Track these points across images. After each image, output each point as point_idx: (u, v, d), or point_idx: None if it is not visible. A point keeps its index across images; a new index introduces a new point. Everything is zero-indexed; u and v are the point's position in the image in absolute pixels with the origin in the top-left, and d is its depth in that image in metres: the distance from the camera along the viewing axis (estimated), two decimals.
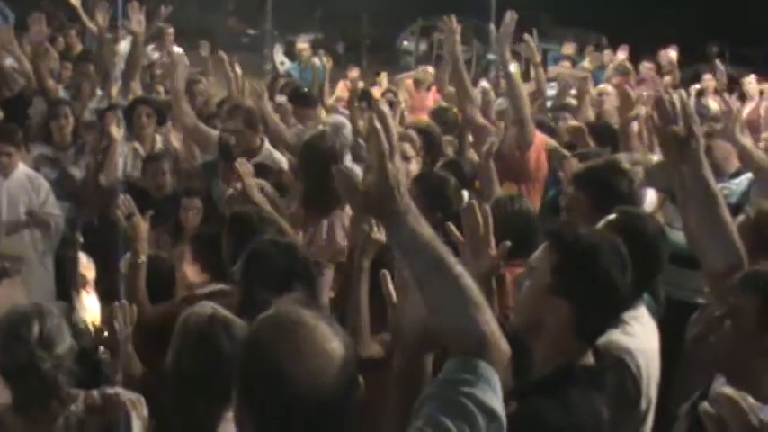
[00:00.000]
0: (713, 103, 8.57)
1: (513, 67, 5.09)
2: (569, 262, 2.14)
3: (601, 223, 2.87)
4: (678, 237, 3.65)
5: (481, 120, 5.55)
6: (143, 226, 3.79)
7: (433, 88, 9.67)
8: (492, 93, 7.17)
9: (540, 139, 5.21)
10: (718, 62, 10.25)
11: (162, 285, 3.86)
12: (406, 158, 4.81)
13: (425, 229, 1.69)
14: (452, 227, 2.43)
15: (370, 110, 6.08)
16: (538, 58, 6.52)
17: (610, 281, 2.12)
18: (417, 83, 10.13)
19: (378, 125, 1.66)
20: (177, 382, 2.53)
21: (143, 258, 3.77)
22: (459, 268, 1.69)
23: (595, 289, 2.12)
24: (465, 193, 4.06)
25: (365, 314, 2.99)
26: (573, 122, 5.93)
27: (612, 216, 2.90)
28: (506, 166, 4.92)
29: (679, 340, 3.20)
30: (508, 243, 2.39)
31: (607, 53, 11.17)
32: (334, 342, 1.58)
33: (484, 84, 9.01)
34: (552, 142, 5.64)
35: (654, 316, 3.03)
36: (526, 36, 5.80)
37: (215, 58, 7.05)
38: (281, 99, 7.70)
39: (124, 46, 7.92)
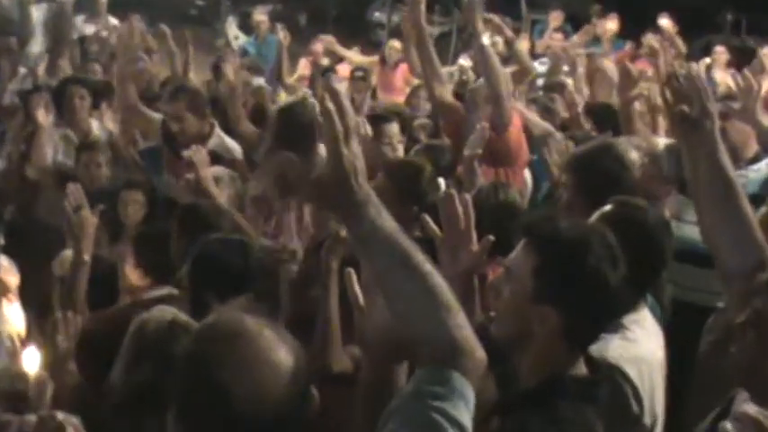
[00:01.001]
0: (728, 79, 8.62)
1: (487, 39, 5.08)
2: (551, 262, 2.13)
3: (594, 216, 2.89)
4: (688, 231, 3.72)
5: (450, 99, 5.58)
6: (91, 221, 3.75)
7: (403, 65, 9.66)
8: (471, 71, 7.20)
9: (520, 119, 5.24)
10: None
11: (102, 290, 3.84)
12: (390, 144, 4.93)
13: (388, 222, 1.70)
14: (428, 219, 2.43)
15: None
16: (509, 33, 6.53)
17: (600, 279, 2.10)
18: (383, 59, 10.17)
19: (330, 105, 1.66)
20: (128, 395, 2.53)
21: (87, 258, 3.71)
22: (427, 266, 1.70)
23: (584, 290, 2.10)
24: (442, 182, 4.07)
25: (336, 321, 3.00)
26: (572, 93, 5.92)
27: (607, 207, 2.92)
28: (484, 147, 4.90)
29: (691, 349, 3.29)
30: (491, 237, 2.39)
31: (599, 23, 11.19)
32: (280, 352, 1.60)
33: (462, 60, 9.03)
34: (545, 125, 5.66)
35: (658, 321, 3.05)
36: (491, 16, 5.86)
37: (160, 33, 7.01)
38: (260, 80, 7.68)
39: (37, 15, 7.82)
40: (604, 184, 3.39)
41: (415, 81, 8.04)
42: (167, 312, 2.65)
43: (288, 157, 1.50)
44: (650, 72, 6.59)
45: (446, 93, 5.60)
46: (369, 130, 4.59)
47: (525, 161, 5.25)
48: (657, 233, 2.88)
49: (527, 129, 5.34)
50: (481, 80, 5.39)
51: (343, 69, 9.81)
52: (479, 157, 4.64)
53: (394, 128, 4.93)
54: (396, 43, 10.17)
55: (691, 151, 2.62)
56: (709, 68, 9.99)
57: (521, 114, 5.35)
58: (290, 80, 9.06)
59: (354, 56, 10.70)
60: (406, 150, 5.16)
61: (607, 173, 3.49)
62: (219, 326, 1.64)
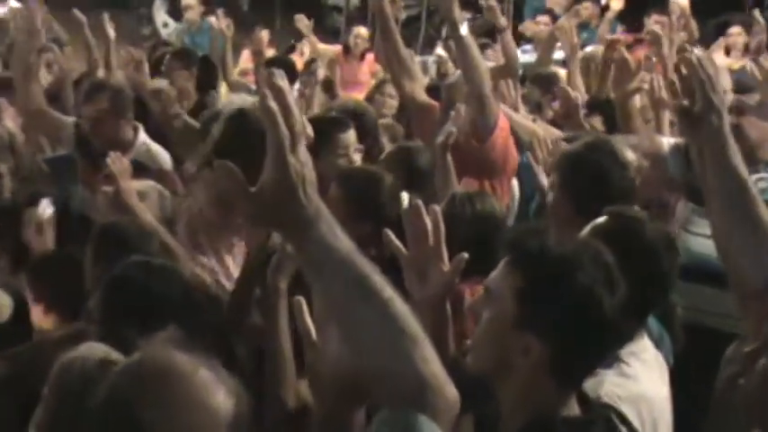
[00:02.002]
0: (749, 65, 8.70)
1: (465, 29, 5.06)
2: (537, 282, 2.15)
3: (586, 229, 2.92)
4: (700, 245, 3.83)
5: (423, 97, 5.61)
6: None
7: (369, 56, 9.72)
8: (450, 63, 7.25)
9: (507, 122, 5.24)
10: (756, 12, 10.38)
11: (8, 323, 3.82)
12: (346, 156, 4.80)
13: (343, 242, 1.72)
14: (391, 235, 2.46)
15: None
16: (503, 22, 6.56)
17: (593, 304, 2.12)
18: (347, 49, 10.21)
19: (272, 105, 1.68)
20: None
21: None
22: (388, 291, 1.72)
23: (575, 317, 2.12)
24: (404, 195, 4.09)
25: (288, 352, 3.02)
26: (566, 88, 5.95)
27: (600, 220, 2.95)
28: (462, 157, 4.94)
29: (708, 383, 3.31)
30: (465, 255, 2.44)
31: (587, 5, 11.21)
32: (218, 394, 1.62)
33: (439, 51, 9.05)
34: (533, 127, 5.66)
35: (663, 349, 3.13)
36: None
37: (73, 20, 7.01)
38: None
39: None
40: (593, 185, 3.47)
41: (382, 74, 8.09)
42: (97, 350, 2.66)
43: (228, 168, 1.51)
44: (655, 58, 6.66)
45: (418, 89, 5.62)
46: (309, 130, 4.50)
47: (514, 169, 5.29)
48: (659, 249, 2.90)
49: (514, 131, 5.38)
50: (458, 73, 5.41)
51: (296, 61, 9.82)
52: (461, 168, 4.65)
53: (350, 136, 4.84)
54: (363, 30, 10.26)
55: (697, 151, 2.67)
56: (726, 53, 10.03)
57: (507, 116, 5.38)
58: (233, 75, 9.04)
59: (327, 47, 10.59)
60: (370, 156, 5.18)
61: (597, 172, 3.55)
62: (146, 364, 1.66)
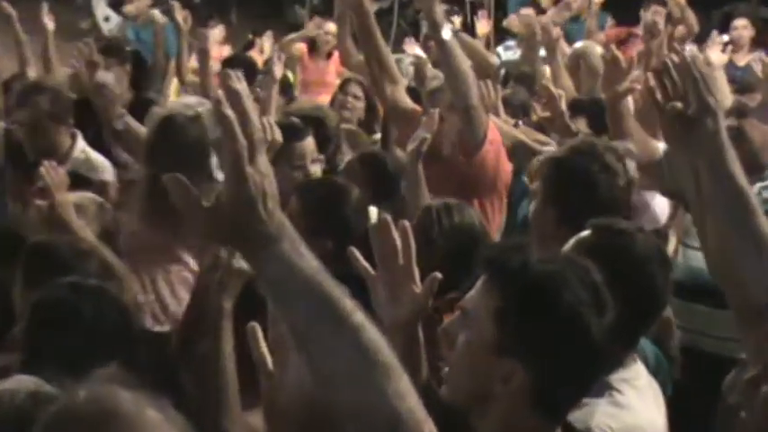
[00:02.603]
0: (753, 65, 8.72)
1: (449, 32, 5.06)
2: (517, 303, 2.15)
3: (569, 244, 2.94)
4: (700, 260, 3.77)
5: (407, 102, 5.59)
6: None
7: (337, 55, 9.67)
8: (429, 63, 7.24)
9: (497, 134, 5.21)
10: None
11: None
12: (301, 167, 4.79)
13: (307, 261, 1.73)
14: (357, 254, 2.46)
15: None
16: (485, 26, 6.54)
17: (580, 326, 2.13)
18: (313, 47, 10.13)
19: (227, 112, 1.69)
20: None
21: None
22: (358, 316, 1.74)
23: (559, 341, 2.13)
24: (373, 210, 4.11)
25: (233, 379, 3.02)
26: (548, 85, 5.96)
27: (584, 233, 2.97)
28: (447, 173, 4.97)
29: (708, 412, 3.35)
30: (438, 275, 2.45)
31: None
32: None
33: (417, 50, 9.02)
34: (515, 132, 5.73)
35: (660, 377, 3.15)
36: None
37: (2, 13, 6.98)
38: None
39: None
40: (580, 194, 3.50)
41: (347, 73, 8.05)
42: (27, 382, 2.64)
43: (178, 181, 1.51)
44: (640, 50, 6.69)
45: (400, 94, 5.59)
46: (278, 134, 4.49)
47: (507, 186, 5.27)
48: (650, 264, 2.92)
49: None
50: (441, 77, 5.37)
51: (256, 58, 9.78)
52: (446, 186, 4.64)
53: (306, 145, 4.84)
54: (332, 26, 9.96)
55: (689, 158, 2.68)
56: (729, 48, 10.07)
57: (497, 126, 5.35)
58: (188, 74, 8.98)
59: (298, 39, 10.45)
60: (332, 166, 5.16)
61: (584, 180, 3.58)
62: (87, 404, 1.64)
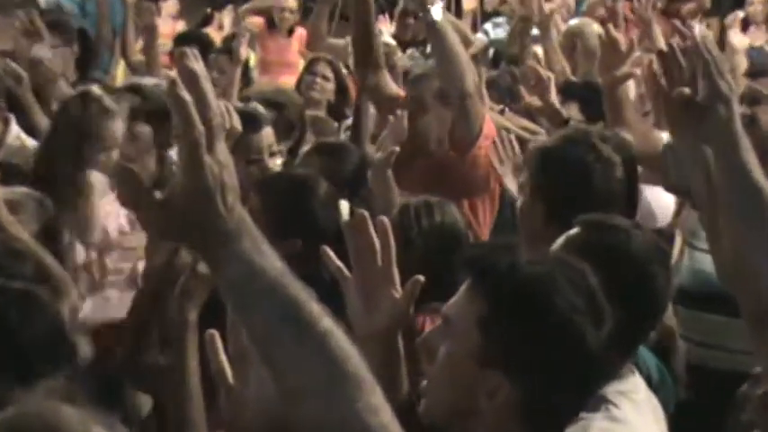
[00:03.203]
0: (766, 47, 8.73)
1: (439, 10, 5.01)
2: (504, 310, 2.15)
3: (557, 242, 2.93)
4: (709, 263, 3.78)
5: (393, 88, 5.57)
6: None
7: (301, 32, 9.56)
8: (400, 53, 7.23)
9: (493, 128, 5.16)
10: None
11: None
12: (258, 162, 4.77)
13: (270, 262, 1.73)
14: (330, 253, 2.46)
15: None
16: None
17: (573, 335, 2.13)
18: (271, 22, 9.99)
19: (183, 94, 1.68)
20: None
21: None
22: (326, 322, 1.74)
23: (551, 353, 2.13)
24: (344, 204, 4.09)
25: (198, 397, 3.02)
26: (535, 66, 5.93)
27: (574, 231, 2.96)
28: (436, 170, 4.95)
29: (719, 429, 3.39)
30: (421, 278, 2.44)
31: None
32: None
33: (386, 25, 8.99)
34: (500, 120, 5.70)
35: (662, 393, 3.17)
36: None
37: None
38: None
39: None
40: (572, 187, 3.49)
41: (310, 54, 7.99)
42: None
43: (127, 170, 1.51)
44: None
45: (384, 79, 5.55)
46: (237, 121, 4.41)
47: (502, 183, 5.17)
48: (649, 265, 2.91)
49: None
50: (429, 64, 5.33)
51: (213, 35, 9.71)
52: (432, 184, 4.59)
53: (263, 137, 4.79)
54: (290, 1, 9.97)
55: (698, 150, 2.69)
56: (744, 28, 10.07)
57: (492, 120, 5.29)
58: (134, 54, 8.90)
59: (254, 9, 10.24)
60: (293, 155, 5.15)
61: (577, 171, 3.56)
62: (28, 422, 1.65)
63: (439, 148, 5.09)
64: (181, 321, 3.09)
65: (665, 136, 4.41)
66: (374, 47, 5.52)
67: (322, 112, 7.01)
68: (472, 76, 5.04)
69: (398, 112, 4.80)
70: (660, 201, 5.17)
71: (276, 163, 4.85)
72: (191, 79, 1.71)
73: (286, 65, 9.62)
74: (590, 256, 2.45)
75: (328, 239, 2.83)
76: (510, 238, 3.31)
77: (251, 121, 4.76)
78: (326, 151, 5.05)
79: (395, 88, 5.60)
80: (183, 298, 3.11)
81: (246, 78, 7.88)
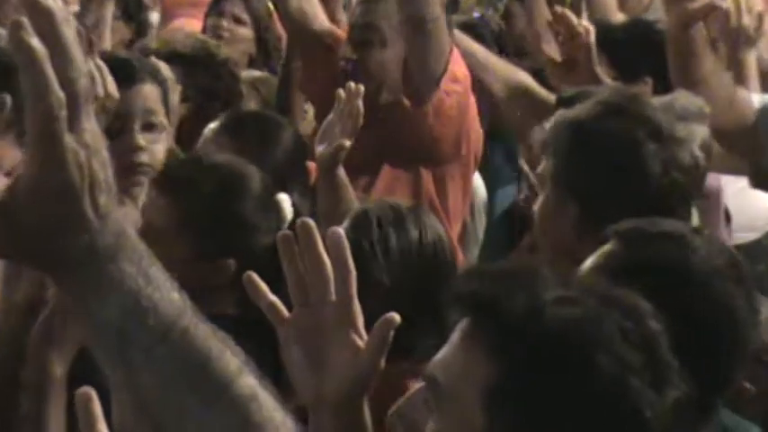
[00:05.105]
0: None
1: None
2: (524, 375, 1.79)
3: (588, 262, 2.47)
4: None
5: (323, 22, 4.88)
6: None
7: None
8: None
9: (467, 75, 4.56)
10: None
11: None
12: (150, 150, 4.04)
13: (164, 293, 1.44)
14: (258, 283, 2.07)
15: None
16: None
17: (626, 409, 1.78)
18: None
19: (33, 42, 1.37)
20: None
21: None
22: (245, 384, 1.48)
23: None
24: (285, 198, 3.40)
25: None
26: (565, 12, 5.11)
27: (607, 247, 2.49)
28: (386, 130, 4.46)
29: None
30: (396, 317, 2.01)
31: None
32: None
33: None
34: (486, 55, 5.06)
35: None
36: None
37: None
38: None
39: None
40: (617, 178, 2.97)
41: None
42: None
43: None
44: None
45: (316, 12, 4.85)
46: (112, 85, 3.31)
47: (477, 154, 4.78)
48: (722, 288, 2.45)
49: (482, 89, 4.69)
50: None
51: None
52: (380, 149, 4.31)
53: (140, 96, 3.70)
54: None
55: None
56: None
57: (461, 52, 4.67)
58: None
59: None
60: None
61: (624, 154, 3.03)
62: None
63: (394, 100, 4.58)
64: (39, 371, 2.80)
65: (756, 99, 3.85)
66: None
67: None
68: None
69: (350, 84, 4.11)
70: (750, 199, 4.80)
71: (164, 145, 3.84)
72: (44, 21, 1.40)
73: (195, 5, 7.97)
74: (640, 283, 2.02)
75: (269, 259, 2.52)
76: (523, 259, 2.93)
77: (129, 72, 3.72)
78: (243, 128, 4.28)
79: (326, 23, 4.91)
80: (41, 342, 2.81)
81: (139, 25, 7.10)
